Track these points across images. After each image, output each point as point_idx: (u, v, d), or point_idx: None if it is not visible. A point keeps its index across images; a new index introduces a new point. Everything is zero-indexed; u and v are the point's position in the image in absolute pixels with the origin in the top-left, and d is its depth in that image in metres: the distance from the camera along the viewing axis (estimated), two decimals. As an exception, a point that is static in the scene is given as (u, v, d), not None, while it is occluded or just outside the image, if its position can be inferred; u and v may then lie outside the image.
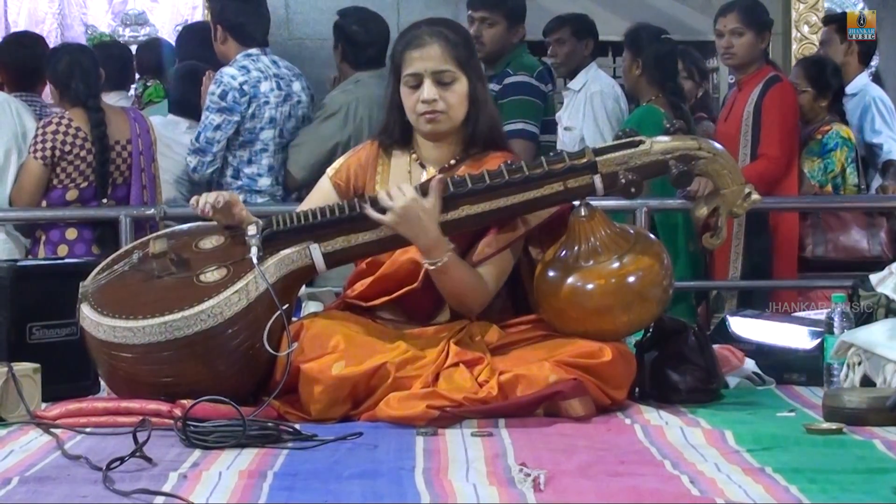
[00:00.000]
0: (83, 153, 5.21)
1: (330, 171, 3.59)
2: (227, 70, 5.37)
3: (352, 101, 5.39)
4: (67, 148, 5.19)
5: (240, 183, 5.39)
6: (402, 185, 3.30)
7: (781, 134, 5.33)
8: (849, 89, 6.22)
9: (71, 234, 5.23)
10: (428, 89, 3.41)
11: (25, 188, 5.24)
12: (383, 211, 3.27)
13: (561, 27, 6.60)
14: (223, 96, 5.31)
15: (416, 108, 3.43)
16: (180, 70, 6.12)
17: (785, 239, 5.46)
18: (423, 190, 3.29)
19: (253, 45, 5.42)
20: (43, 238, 5.25)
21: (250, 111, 5.35)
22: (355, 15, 5.64)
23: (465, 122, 3.47)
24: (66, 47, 5.94)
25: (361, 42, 5.50)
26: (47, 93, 5.89)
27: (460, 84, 3.43)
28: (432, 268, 3.29)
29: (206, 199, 3.36)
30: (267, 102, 5.37)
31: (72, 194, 5.23)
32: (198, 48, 6.19)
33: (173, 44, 7.11)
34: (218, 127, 5.32)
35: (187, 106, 5.79)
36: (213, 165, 5.36)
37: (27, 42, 6.00)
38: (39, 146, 5.19)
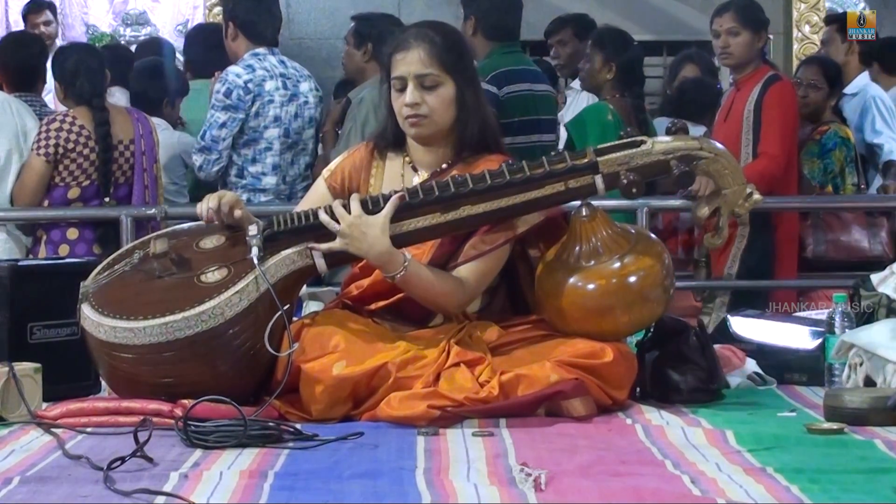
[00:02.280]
0: (86, 151, 5.21)
1: (325, 172, 3.59)
2: (233, 69, 5.41)
3: None
4: (70, 146, 5.19)
5: (244, 182, 5.40)
6: (349, 201, 3.26)
7: (782, 132, 5.32)
8: (849, 89, 6.23)
9: (72, 233, 5.23)
10: (410, 93, 3.40)
11: (28, 185, 5.24)
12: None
13: (562, 28, 6.61)
14: (228, 94, 5.34)
15: (401, 112, 3.43)
16: (140, 66, 6.17)
17: (785, 239, 5.46)
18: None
19: (263, 44, 5.46)
20: (44, 238, 5.25)
21: (254, 109, 5.37)
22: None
23: (454, 126, 3.46)
24: (73, 46, 5.98)
25: None
26: (47, 92, 5.90)
27: (445, 88, 3.41)
28: (392, 280, 3.28)
29: (208, 205, 3.35)
30: (271, 101, 5.39)
31: (73, 192, 5.24)
32: (206, 49, 6.24)
33: (172, 44, 7.13)
34: (223, 125, 5.34)
35: (146, 101, 5.85)
36: (218, 164, 5.38)
37: (27, 42, 6.01)
38: (43, 143, 5.19)
